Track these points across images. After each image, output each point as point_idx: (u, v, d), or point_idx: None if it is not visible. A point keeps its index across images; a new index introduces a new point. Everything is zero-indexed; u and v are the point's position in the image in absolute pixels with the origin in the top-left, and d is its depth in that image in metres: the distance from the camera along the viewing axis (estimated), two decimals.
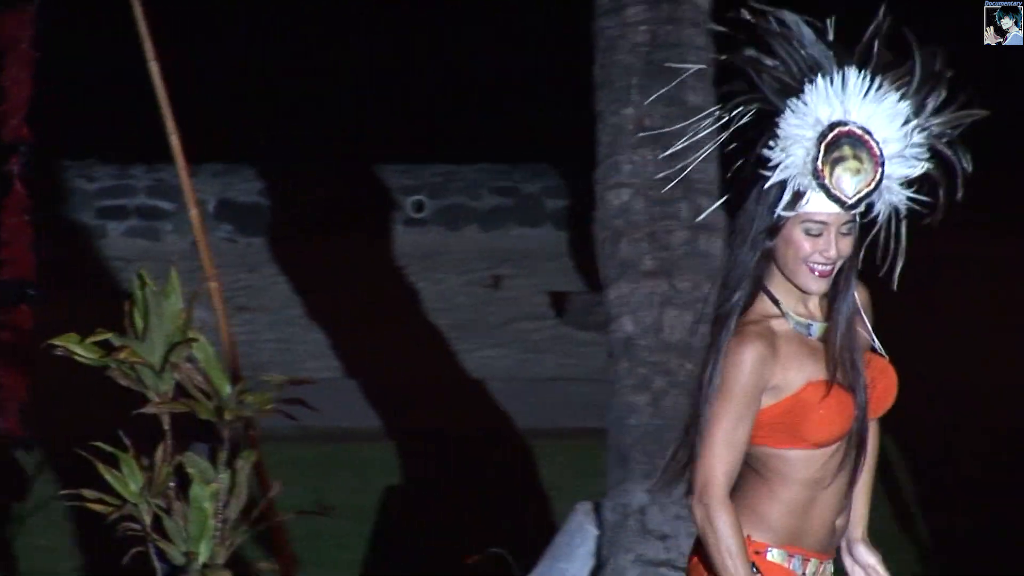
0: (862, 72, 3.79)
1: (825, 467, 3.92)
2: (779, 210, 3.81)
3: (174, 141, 8.37)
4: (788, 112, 3.81)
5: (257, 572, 8.03)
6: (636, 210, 8.86)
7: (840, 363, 3.86)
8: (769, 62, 3.80)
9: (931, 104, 3.80)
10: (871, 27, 3.80)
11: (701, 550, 3.94)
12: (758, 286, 3.92)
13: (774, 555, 3.96)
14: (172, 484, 7.49)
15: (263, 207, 16.46)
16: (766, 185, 3.82)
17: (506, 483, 11.22)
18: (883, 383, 3.96)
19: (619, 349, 8.88)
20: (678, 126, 3.96)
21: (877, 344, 3.94)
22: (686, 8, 8.87)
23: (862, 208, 3.82)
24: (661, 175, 8.88)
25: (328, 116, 17.44)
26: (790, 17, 3.80)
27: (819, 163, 3.79)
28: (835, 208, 3.79)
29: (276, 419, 7.65)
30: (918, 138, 3.79)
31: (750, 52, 3.82)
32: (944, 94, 3.85)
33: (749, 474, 4.01)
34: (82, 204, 16.42)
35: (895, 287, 3.84)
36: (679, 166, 4.06)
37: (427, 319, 14.96)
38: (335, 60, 18.02)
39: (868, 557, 4.10)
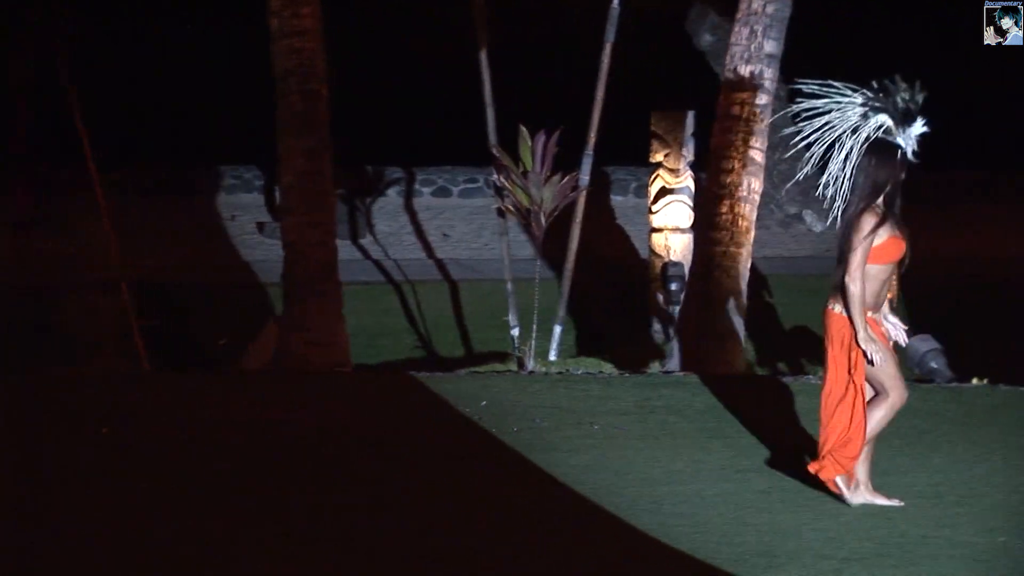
0: (910, 108, 7.17)
1: (889, 271, 7.19)
2: (901, 157, 7.16)
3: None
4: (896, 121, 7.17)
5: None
6: (295, 185, 13.35)
7: (901, 227, 7.15)
8: (891, 105, 7.17)
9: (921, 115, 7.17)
10: (917, 87, 7.24)
11: (836, 302, 7.23)
12: (877, 196, 7.08)
13: (869, 314, 7.16)
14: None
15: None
16: (893, 146, 7.12)
17: (240, 307, 16.10)
18: (909, 235, 7.25)
19: (287, 246, 13.49)
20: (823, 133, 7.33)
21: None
22: (317, 104, 13.25)
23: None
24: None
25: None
26: (891, 86, 7.18)
27: (905, 137, 7.16)
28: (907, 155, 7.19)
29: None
30: (923, 126, 7.13)
31: (892, 102, 7.20)
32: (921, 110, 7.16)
33: None
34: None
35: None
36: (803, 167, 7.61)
37: (209, 236, 20.31)
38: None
39: (892, 317, 7.40)
